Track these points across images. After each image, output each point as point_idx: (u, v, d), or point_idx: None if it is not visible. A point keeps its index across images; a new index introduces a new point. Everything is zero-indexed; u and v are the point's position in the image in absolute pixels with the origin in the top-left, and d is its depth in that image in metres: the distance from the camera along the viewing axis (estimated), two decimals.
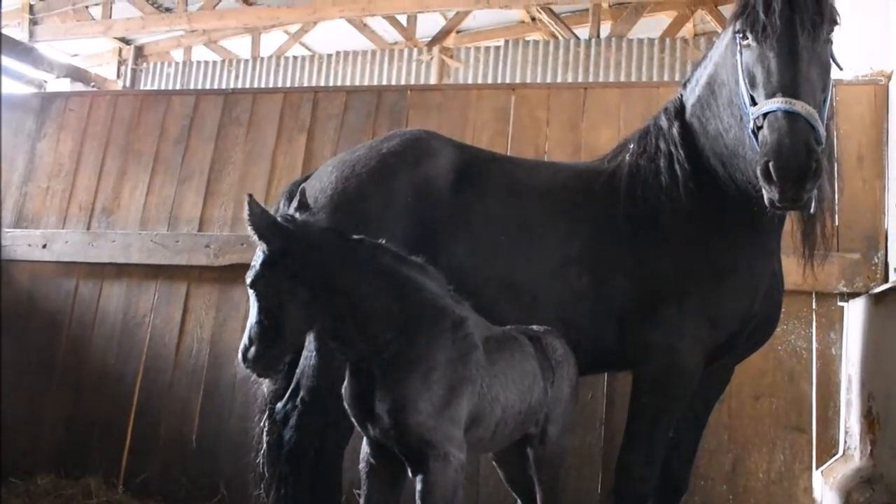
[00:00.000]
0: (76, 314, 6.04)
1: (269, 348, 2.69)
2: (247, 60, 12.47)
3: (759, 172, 2.86)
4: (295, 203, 3.10)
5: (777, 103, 2.86)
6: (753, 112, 3.00)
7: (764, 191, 2.90)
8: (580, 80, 9.89)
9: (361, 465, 3.02)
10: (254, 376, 2.80)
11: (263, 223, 2.73)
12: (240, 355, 2.71)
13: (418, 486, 2.78)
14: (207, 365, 5.63)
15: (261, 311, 2.70)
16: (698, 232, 3.52)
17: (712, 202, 3.48)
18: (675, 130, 3.63)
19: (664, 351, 3.47)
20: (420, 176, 3.77)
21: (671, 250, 3.52)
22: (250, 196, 2.76)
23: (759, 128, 2.93)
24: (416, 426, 2.74)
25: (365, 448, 3.01)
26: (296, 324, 2.74)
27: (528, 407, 3.21)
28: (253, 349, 2.68)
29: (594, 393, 4.88)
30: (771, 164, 2.77)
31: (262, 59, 12.39)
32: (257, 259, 2.78)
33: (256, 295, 2.73)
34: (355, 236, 2.94)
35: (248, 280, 2.76)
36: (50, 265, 6.16)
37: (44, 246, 6.16)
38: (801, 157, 2.73)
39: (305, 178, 4.14)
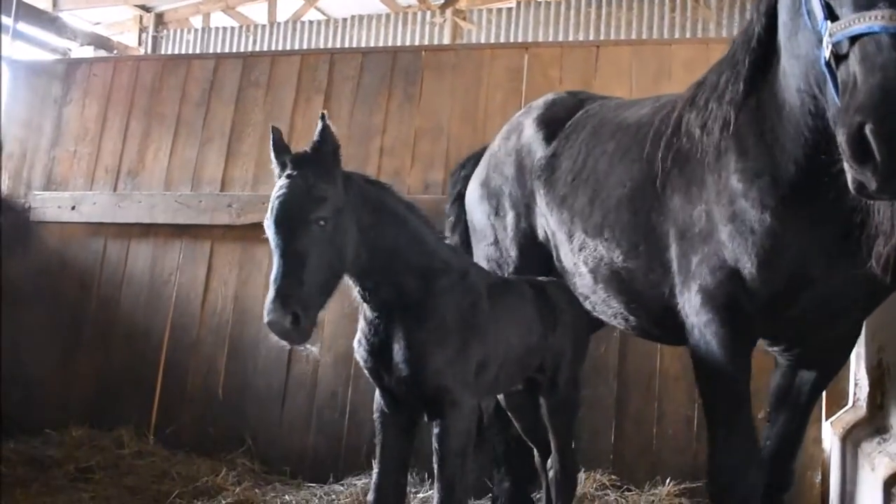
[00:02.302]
0: (105, 273, 6.05)
1: (319, 293, 2.64)
2: (264, 26, 12.31)
3: (843, 140, 1.83)
4: None
5: (877, 20, 1.82)
6: (832, 30, 1.95)
7: (849, 169, 1.89)
8: (591, 39, 9.71)
9: (375, 416, 3.05)
10: (291, 332, 2.54)
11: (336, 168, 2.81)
12: (279, 306, 2.48)
13: (435, 430, 2.86)
14: (232, 321, 5.63)
15: (314, 252, 2.60)
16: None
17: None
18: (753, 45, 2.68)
19: (688, 323, 2.93)
20: (517, 140, 4.00)
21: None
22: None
23: (842, 58, 1.92)
24: (434, 374, 2.82)
25: (378, 399, 3.04)
26: (342, 264, 2.74)
27: (525, 350, 3.27)
28: (301, 291, 2.53)
29: (607, 346, 4.83)
30: (868, 128, 1.75)
31: (279, 24, 12.24)
32: (324, 201, 2.67)
33: (319, 234, 2.62)
34: (385, 183, 3.13)
35: (322, 214, 2.63)
36: (79, 226, 6.16)
37: (73, 208, 6.16)
38: None
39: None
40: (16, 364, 5.97)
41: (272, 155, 2.85)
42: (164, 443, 5.38)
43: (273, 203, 2.66)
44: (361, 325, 3.00)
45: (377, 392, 3.04)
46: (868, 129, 1.75)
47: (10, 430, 5.46)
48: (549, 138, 3.82)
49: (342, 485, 4.86)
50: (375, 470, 3.01)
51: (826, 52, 1.99)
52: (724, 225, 2.77)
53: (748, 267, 2.68)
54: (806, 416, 3.23)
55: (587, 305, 3.59)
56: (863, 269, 2.47)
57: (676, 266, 2.96)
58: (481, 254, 4.06)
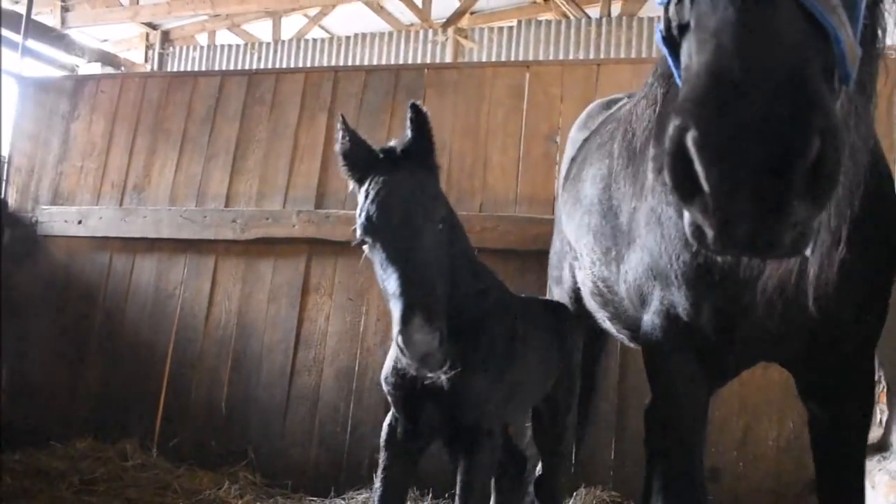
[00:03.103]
0: (110, 287, 6.04)
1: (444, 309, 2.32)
2: (268, 43, 12.36)
3: (664, 164, 1.28)
4: None
5: None
6: None
7: (683, 212, 1.33)
8: (592, 56, 9.73)
9: (383, 442, 2.79)
10: (437, 353, 2.21)
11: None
12: (423, 322, 2.15)
13: (464, 463, 2.64)
14: (235, 335, 5.62)
15: (438, 258, 2.36)
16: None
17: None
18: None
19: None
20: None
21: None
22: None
23: (680, 32, 1.37)
24: (476, 405, 2.62)
25: (390, 425, 2.79)
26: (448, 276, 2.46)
27: (545, 375, 3.20)
28: (438, 305, 2.27)
29: (607, 361, 4.80)
30: (690, 138, 1.16)
31: (283, 41, 12.29)
32: (440, 199, 2.49)
33: (439, 237, 2.39)
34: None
35: (442, 214, 2.44)
36: (85, 240, 6.16)
37: (79, 222, 6.16)
38: (776, 124, 1.08)
39: None
40: (21, 376, 6.02)
41: (344, 147, 2.54)
42: (167, 455, 5.36)
43: (381, 202, 2.35)
44: (392, 350, 2.66)
45: (390, 418, 2.80)
46: (690, 140, 1.14)
47: (16, 442, 5.44)
48: (574, 145, 3.89)
49: (343, 499, 4.84)
50: (378, 494, 2.76)
51: (663, 25, 1.44)
52: (643, 224, 2.52)
53: (669, 275, 2.37)
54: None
55: (600, 322, 3.46)
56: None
57: None
58: None
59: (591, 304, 3.39)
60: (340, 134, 2.55)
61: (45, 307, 6.11)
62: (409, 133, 2.52)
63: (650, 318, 2.49)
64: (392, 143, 2.54)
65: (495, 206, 5.32)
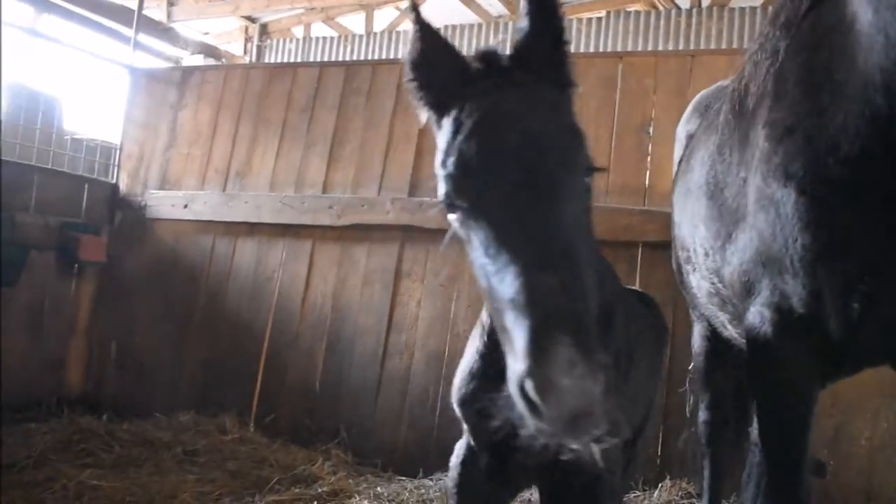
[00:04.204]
0: (213, 269, 6.23)
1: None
2: (361, 35, 12.51)
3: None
4: None
5: None
6: None
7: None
8: (682, 48, 9.50)
9: (454, 481, 2.24)
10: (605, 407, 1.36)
11: None
12: (585, 369, 1.26)
13: None
14: (330, 318, 5.73)
15: (587, 235, 1.60)
16: None
17: None
18: None
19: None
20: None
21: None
22: None
23: None
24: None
25: (464, 459, 2.23)
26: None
27: (653, 391, 2.81)
28: (591, 326, 1.40)
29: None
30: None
31: (376, 33, 12.42)
32: (582, 135, 1.62)
33: (585, 200, 1.60)
34: None
35: (588, 160, 1.59)
36: (190, 223, 6.37)
37: (185, 206, 6.37)
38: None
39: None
40: (131, 351, 6.29)
41: (416, 52, 1.73)
42: (264, 431, 5.50)
43: (483, 136, 1.52)
44: (476, 360, 2.08)
45: (464, 452, 2.22)
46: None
47: (124, 413, 5.72)
48: (681, 143, 3.75)
49: (431, 479, 4.88)
50: None
51: None
52: (753, 201, 2.23)
53: (783, 261, 2.11)
54: None
55: (720, 330, 3.17)
56: None
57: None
58: None
59: (709, 309, 3.05)
60: (414, 32, 1.74)
61: (153, 287, 6.34)
62: (525, 25, 1.68)
63: (758, 310, 2.25)
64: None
65: None
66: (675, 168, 3.89)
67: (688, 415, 4.55)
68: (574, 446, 1.35)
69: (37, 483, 4.20)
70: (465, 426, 2.18)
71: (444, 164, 1.55)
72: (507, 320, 1.35)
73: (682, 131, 3.92)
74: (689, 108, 3.99)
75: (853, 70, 1.91)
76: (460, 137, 1.53)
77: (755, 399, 2.42)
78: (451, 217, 1.57)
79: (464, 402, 2.08)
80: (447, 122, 1.59)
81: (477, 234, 1.48)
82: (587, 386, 1.25)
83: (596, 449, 1.39)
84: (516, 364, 1.29)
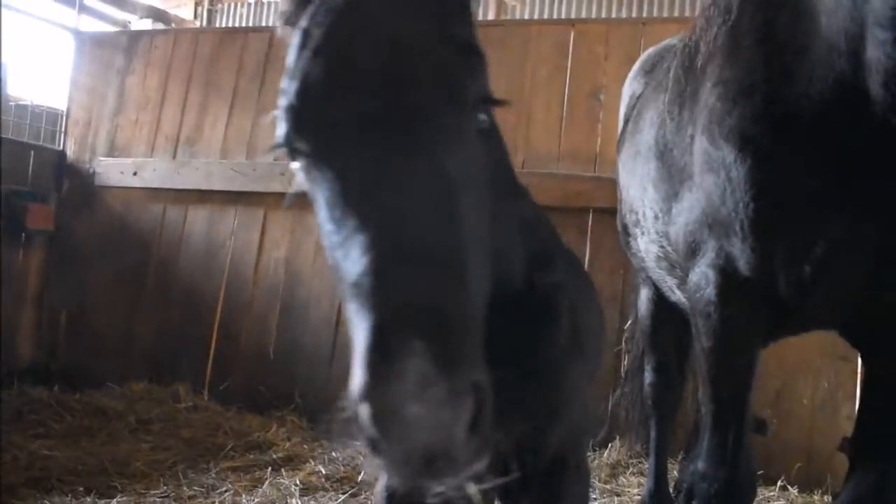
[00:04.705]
0: (164, 237, 6.15)
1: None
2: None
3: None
4: None
5: None
6: None
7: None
8: (635, 15, 9.51)
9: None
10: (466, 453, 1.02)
11: None
12: (445, 396, 0.93)
13: None
14: (284, 283, 5.70)
15: (473, 201, 1.24)
16: None
17: None
18: None
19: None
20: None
21: None
22: None
23: None
24: (574, 434, 1.80)
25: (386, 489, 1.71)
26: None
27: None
28: (471, 331, 1.10)
29: None
30: None
31: None
32: (481, 58, 1.29)
33: (478, 151, 1.26)
34: None
35: (486, 91, 1.27)
36: (140, 191, 6.26)
37: (134, 173, 6.26)
38: None
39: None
40: (82, 321, 6.19)
41: None
42: (218, 398, 5.48)
43: (329, 47, 1.17)
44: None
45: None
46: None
47: (75, 383, 5.64)
48: (628, 102, 3.70)
49: None
50: None
51: None
52: (701, 161, 2.19)
53: (732, 224, 2.09)
54: None
55: (668, 294, 3.13)
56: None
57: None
58: None
59: (657, 273, 3.02)
60: None
61: (103, 255, 6.24)
62: None
63: (703, 271, 2.23)
64: None
65: (537, 163, 5.26)
66: (619, 129, 3.86)
67: (622, 375, 4.61)
68: (440, 490, 1.00)
69: None
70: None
71: (282, 91, 1.20)
72: (350, 311, 1.02)
73: (626, 91, 3.88)
74: (635, 67, 3.95)
75: (816, 33, 1.86)
76: (304, 54, 1.18)
77: (699, 359, 2.42)
78: (295, 167, 1.23)
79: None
80: (295, 36, 1.24)
81: (321, 189, 1.14)
82: (445, 417, 0.90)
83: (472, 489, 1.07)
84: (354, 377, 0.94)
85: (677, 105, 2.49)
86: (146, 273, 6.13)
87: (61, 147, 6.64)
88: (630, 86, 3.83)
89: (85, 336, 6.17)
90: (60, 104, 6.91)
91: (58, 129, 6.74)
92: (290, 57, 1.22)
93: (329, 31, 1.17)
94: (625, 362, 4.62)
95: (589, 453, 4.54)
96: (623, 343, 4.70)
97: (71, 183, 6.50)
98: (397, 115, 1.10)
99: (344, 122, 1.11)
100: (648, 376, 3.80)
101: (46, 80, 7.42)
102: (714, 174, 2.10)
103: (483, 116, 1.23)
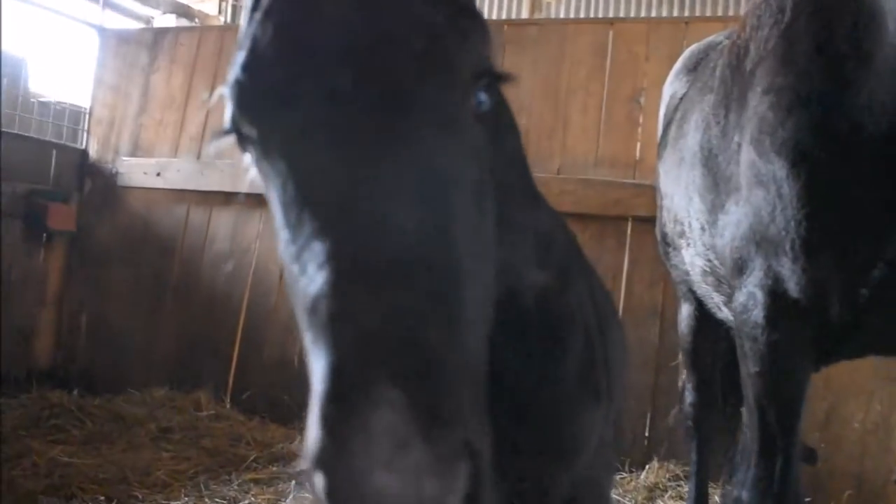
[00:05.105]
0: (187, 239, 6.17)
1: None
2: None
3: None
4: None
5: None
6: None
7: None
8: (677, 14, 9.43)
9: None
10: None
11: None
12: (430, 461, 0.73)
13: None
14: None
15: (470, 205, 1.04)
16: None
17: None
18: None
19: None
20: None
21: None
22: None
23: None
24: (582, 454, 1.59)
25: None
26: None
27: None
28: (465, 370, 0.91)
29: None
30: None
31: None
32: (485, 32, 1.11)
33: (476, 139, 1.07)
34: None
35: (487, 65, 1.07)
36: (163, 192, 6.29)
37: (158, 174, 6.28)
38: None
39: None
40: (102, 324, 6.22)
41: None
42: (241, 407, 5.48)
43: (284, 16, 0.98)
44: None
45: None
46: None
47: (95, 387, 5.68)
48: (668, 104, 3.57)
49: None
50: None
51: None
52: (749, 174, 2.11)
53: (782, 243, 2.02)
54: None
55: (715, 311, 3.07)
56: None
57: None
58: None
59: (702, 289, 2.95)
60: None
61: (124, 257, 6.28)
62: None
63: (749, 291, 2.16)
64: None
65: (574, 169, 5.21)
66: (659, 131, 3.74)
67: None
68: None
69: (6, 460, 4.16)
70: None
71: (231, 64, 1.00)
72: (307, 339, 0.86)
73: (667, 90, 3.75)
74: (677, 65, 3.80)
75: (882, 40, 1.79)
76: (254, 16, 0.99)
77: (744, 383, 2.35)
78: (246, 157, 1.05)
79: None
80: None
81: (273, 186, 0.96)
82: (427, 492, 0.71)
83: None
84: (308, 431, 0.79)
85: (723, 108, 2.42)
86: (169, 276, 6.15)
87: (84, 146, 6.68)
88: (671, 85, 3.73)
89: (105, 340, 6.21)
90: (83, 102, 6.95)
91: (80, 127, 6.78)
92: (242, 21, 1.04)
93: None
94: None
95: (625, 475, 4.49)
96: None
97: (93, 183, 6.55)
98: (368, 91, 0.90)
99: (300, 100, 0.91)
100: (689, 396, 3.71)
101: (70, 77, 7.46)
102: (763, 189, 2.03)
103: (483, 97, 1.01)
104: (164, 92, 6.59)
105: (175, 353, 5.98)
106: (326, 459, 0.72)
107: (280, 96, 0.92)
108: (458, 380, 0.78)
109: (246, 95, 0.95)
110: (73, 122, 6.89)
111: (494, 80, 1.03)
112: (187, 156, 6.32)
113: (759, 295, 2.12)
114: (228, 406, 5.50)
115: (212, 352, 5.83)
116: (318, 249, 0.83)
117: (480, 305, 0.92)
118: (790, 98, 1.98)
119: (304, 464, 0.76)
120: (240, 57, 0.97)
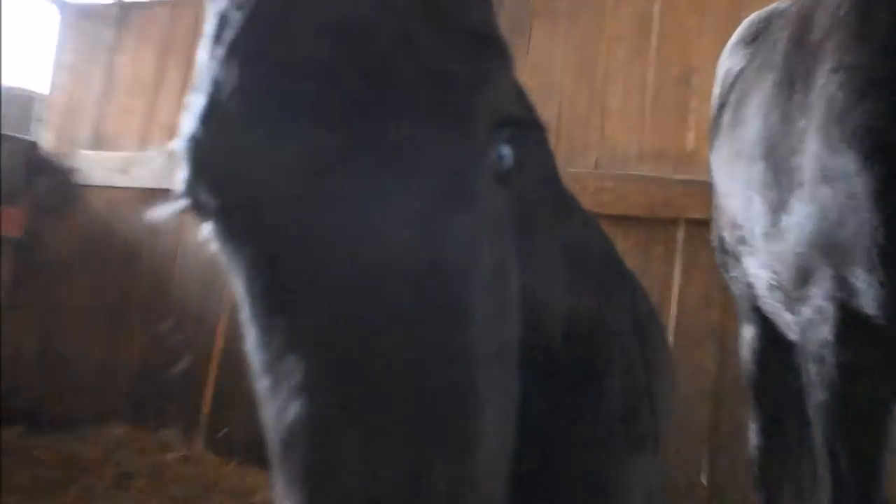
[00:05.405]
0: (156, 248, 6.09)
1: None
2: None
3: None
4: None
5: None
6: None
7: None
8: None
9: None
10: None
11: None
12: None
13: None
14: None
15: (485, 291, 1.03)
16: None
17: None
18: None
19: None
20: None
21: None
22: None
23: None
24: None
25: None
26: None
27: None
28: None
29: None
30: None
31: None
32: (507, 55, 1.11)
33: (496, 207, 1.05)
34: None
35: (508, 104, 1.03)
36: (129, 192, 6.20)
37: (123, 171, 6.23)
38: None
39: None
40: (50, 348, 6.18)
41: None
42: (215, 448, 5.40)
43: (261, 30, 0.87)
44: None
45: None
46: None
47: (44, 426, 5.59)
48: (723, 82, 3.48)
49: None
50: None
51: None
52: (814, 166, 2.08)
53: (853, 251, 1.98)
54: None
55: (784, 331, 2.99)
56: None
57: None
58: None
59: (770, 305, 2.84)
60: None
61: (82, 268, 6.23)
62: None
63: (817, 305, 2.12)
64: None
65: (614, 164, 5.06)
66: (712, 114, 3.63)
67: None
68: None
69: None
70: None
71: (186, 110, 0.93)
72: (277, 472, 0.82)
73: (722, 66, 3.64)
74: (734, 36, 3.66)
75: None
76: (216, 52, 0.88)
77: (812, 420, 2.27)
78: (204, 229, 0.99)
79: None
80: (209, 21, 0.94)
81: (240, 270, 0.92)
82: None
83: None
84: None
85: (786, 89, 2.36)
86: (133, 291, 6.10)
87: (34, 137, 6.65)
88: (727, 60, 3.60)
89: (57, 366, 6.15)
90: (34, 86, 6.98)
91: (31, 115, 6.79)
92: (201, 55, 0.92)
93: (254, 15, 0.85)
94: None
95: None
96: None
97: (46, 180, 6.50)
98: (360, 155, 0.80)
99: (275, 167, 0.81)
100: (753, 438, 3.59)
101: (19, 57, 7.54)
102: (831, 186, 1.99)
103: (506, 151, 0.91)
104: (131, 75, 6.58)
105: (138, 382, 5.89)
106: None
107: (248, 160, 0.83)
108: None
109: (205, 157, 0.86)
110: (22, 109, 6.86)
111: (519, 128, 0.94)
112: (157, 150, 6.20)
113: (828, 308, 2.08)
114: (202, 447, 5.43)
115: (182, 382, 5.68)
116: (294, 369, 0.77)
117: (502, 438, 0.85)
118: (863, 78, 1.92)
119: None
120: (197, 105, 0.87)
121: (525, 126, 0.96)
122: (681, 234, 4.82)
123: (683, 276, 4.81)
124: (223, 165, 0.86)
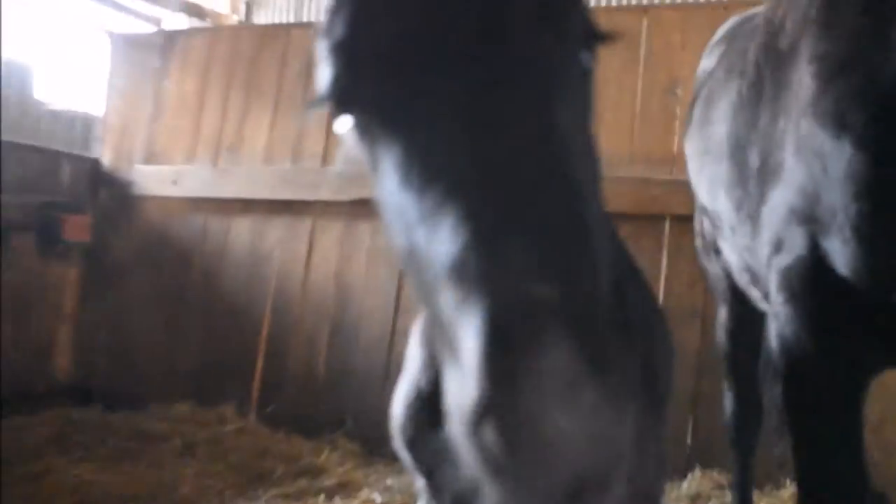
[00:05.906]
0: (206, 249, 6.38)
1: None
2: None
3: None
4: None
5: None
6: None
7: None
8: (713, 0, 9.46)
9: None
10: None
11: None
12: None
13: None
14: (333, 300, 5.90)
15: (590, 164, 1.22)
16: None
17: None
18: None
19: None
20: None
21: None
22: None
23: None
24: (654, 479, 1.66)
25: None
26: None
27: None
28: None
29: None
30: None
31: None
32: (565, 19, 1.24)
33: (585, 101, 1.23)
34: None
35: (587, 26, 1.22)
36: (179, 201, 6.50)
37: (173, 182, 6.49)
38: None
39: None
40: (121, 338, 6.46)
41: None
42: (265, 421, 5.66)
43: None
44: (426, 375, 1.59)
45: None
46: None
47: (117, 404, 5.90)
48: (697, 81, 3.58)
49: None
50: None
51: None
52: (791, 152, 2.01)
53: (829, 223, 1.91)
54: None
55: (756, 303, 3.06)
56: None
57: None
58: None
59: (741, 280, 2.99)
60: None
61: (142, 269, 6.50)
62: None
63: (795, 255, 2.02)
64: None
65: (607, 166, 4.99)
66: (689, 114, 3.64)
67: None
68: None
69: (31, 478, 4.38)
70: (417, 479, 1.56)
71: (326, 27, 1.05)
72: (444, 306, 0.87)
73: (701, 65, 3.72)
74: (715, 36, 3.78)
75: None
76: None
77: (782, 400, 2.21)
78: (343, 124, 1.06)
79: (412, 442, 1.49)
80: None
81: (389, 150, 0.99)
82: (605, 430, 0.76)
83: None
84: (463, 387, 0.79)
85: (755, 93, 2.36)
86: (187, 287, 6.37)
87: (96, 155, 6.93)
88: (705, 59, 3.72)
89: (125, 354, 6.42)
90: (94, 109, 7.21)
91: (91, 135, 7.07)
92: None
93: None
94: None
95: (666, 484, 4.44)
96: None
97: (107, 193, 6.78)
98: (489, 47, 0.96)
99: (419, 56, 0.95)
100: (728, 405, 3.76)
101: (78, 84, 7.70)
102: (806, 166, 1.96)
103: (588, 56, 1.14)
104: (177, 97, 6.81)
105: (197, 366, 6.17)
106: (497, 406, 0.74)
107: (396, 52, 0.97)
108: (607, 324, 0.86)
109: (356, 52, 1.00)
110: (84, 130, 7.19)
111: (596, 40, 1.16)
112: (203, 163, 6.55)
113: (805, 256, 1.99)
114: (253, 420, 5.67)
115: (234, 365, 6.04)
116: (454, 207, 0.87)
117: (606, 259, 0.99)
118: (833, 63, 1.91)
119: (460, 427, 0.79)
120: (338, 15, 1.03)
121: (598, 37, 1.16)
122: (667, 228, 5.10)
123: (669, 266, 5.08)
124: (373, 62, 0.98)
